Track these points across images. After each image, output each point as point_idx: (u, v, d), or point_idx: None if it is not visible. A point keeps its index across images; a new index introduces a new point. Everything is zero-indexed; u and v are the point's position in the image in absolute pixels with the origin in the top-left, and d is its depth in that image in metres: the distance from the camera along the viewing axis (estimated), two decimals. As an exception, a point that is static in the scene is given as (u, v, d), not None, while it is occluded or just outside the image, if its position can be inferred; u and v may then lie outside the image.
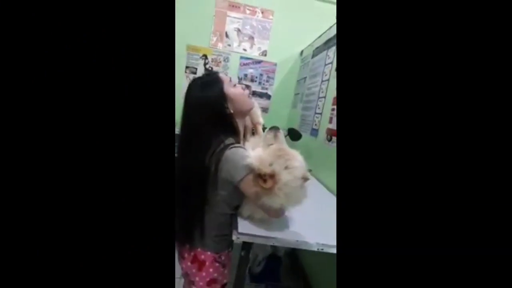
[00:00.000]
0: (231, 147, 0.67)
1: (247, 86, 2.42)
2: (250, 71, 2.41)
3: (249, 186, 0.64)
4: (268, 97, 2.47)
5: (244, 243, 0.70)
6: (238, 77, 2.40)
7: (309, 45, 2.12)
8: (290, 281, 1.54)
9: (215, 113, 0.70)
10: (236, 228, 0.69)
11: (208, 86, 0.72)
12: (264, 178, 0.61)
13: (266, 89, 2.46)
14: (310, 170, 0.70)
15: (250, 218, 0.73)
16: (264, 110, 2.47)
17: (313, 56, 1.98)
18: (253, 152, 0.67)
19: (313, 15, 2.28)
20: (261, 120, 0.94)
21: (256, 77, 2.43)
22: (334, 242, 0.69)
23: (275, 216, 0.69)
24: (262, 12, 2.32)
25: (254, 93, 2.44)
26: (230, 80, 0.75)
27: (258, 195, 0.63)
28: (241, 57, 2.38)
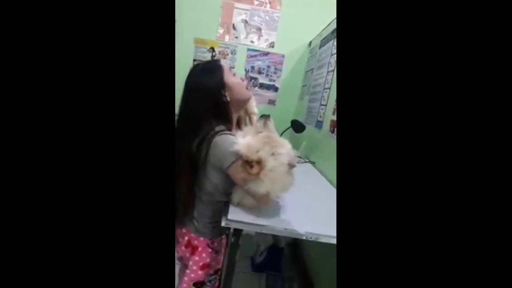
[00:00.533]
0: (220, 134, 0.68)
1: (254, 79, 2.42)
2: (257, 63, 2.40)
3: (237, 172, 0.65)
4: (275, 89, 2.45)
5: (235, 229, 0.71)
6: (245, 69, 2.40)
7: (317, 35, 2.08)
8: (291, 272, 1.55)
9: (211, 98, 0.72)
10: (226, 214, 0.70)
11: (208, 72, 0.73)
12: (251, 164, 0.62)
13: (274, 81, 2.44)
14: (299, 157, 0.70)
15: (240, 205, 0.74)
16: (271, 102, 2.46)
17: (320, 46, 1.94)
18: (241, 139, 0.68)
19: (322, 4, 2.22)
20: (255, 110, 0.94)
21: (264, 69, 2.41)
22: (326, 232, 0.69)
23: (263, 203, 0.70)
24: (270, 3, 2.29)
25: (262, 85, 2.43)
26: (231, 70, 0.77)
27: (245, 181, 0.64)
28: (248, 49, 2.37)
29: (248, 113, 0.93)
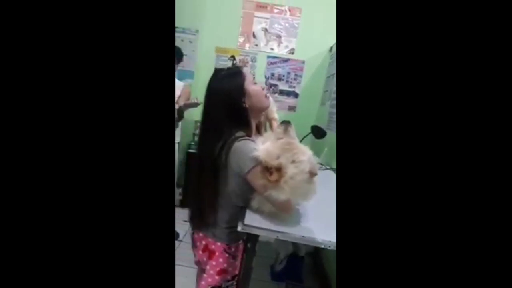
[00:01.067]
0: (240, 139, 0.69)
1: (274, 85, 2.42)
2: (277, 70, 2.41)
3: (256, 178, 0.65)
4: (295, 95, 2.44)
5: (250, 235, 0.71)
6: (265, 76, 2.41)
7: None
8: (312, 282, 1.50)
9: (230, 104, 0.73)
10: (243, 219, 0.70)
11: (228, 78, 0.76)
12: (271, 171, 0.62)
13: (294, 87, 2.43)
14: (320, 164, 0.68)
15: (259, 211, 0.74)
16: (292, 108, 2.45)
17: (341, 51, 1.91)
18: (261, 145, 0.68)
19: (342, 9, 2.19)
20: (276, 116, 0.94)
21: (284, 76, 2.41)
22: (330, 240, 0.66)
23: (283, 210, 0.69)
24: (289, 11, 2.31)
25: (282, 92, 2.43)
26: (252, 77, 0.78)
27: (265, 188, 0.64)
28: (268, 56, 2.39)
29: (268, 119, 0.93)
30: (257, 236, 0.70)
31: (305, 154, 0.64)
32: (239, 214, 0.76)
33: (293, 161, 0.62)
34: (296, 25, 2.32)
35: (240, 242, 0.80)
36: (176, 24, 2.31)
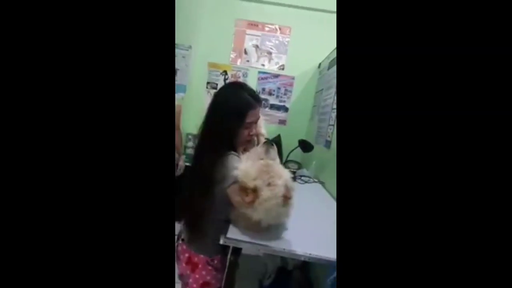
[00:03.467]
0: (228, 154, 0.72)
1: (265, 100, 2.48)
2: (268, 85, 2.47)
3: (234, 194, 0.67)
4: (285, 109, 2.49)
5: (233, 248, 0.72)
6: (256, 91, 2.47)
7: (326, 58, 2.13)
8: (300, 297, 1.49)
9: (237, 127, 0.77)
10: (226, 232, 0.71)
11: (247, 105, 0.78)
12: (247, 191, 0.64)
13: (284, 101, 2.49)
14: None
15: (234, 223, 0.75)
16: (282, 122, 2.50)
17: (328, 68, 1.98)
18: (242, 163, 0.70)
19: (330, 27, 2.29)
20: (263, 131, 0.97)
21: (274, 91, 2.48)
22: (327, 254, 0.68)
23: (255, 229, 0.70)
24: (280, 29, 2.40)
25: (272, 106, 2.49)
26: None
27: (240, 205, 0.66)
28: (259, 72, 2.46)
29: (256, 134, 0.96)
30: (240, 249, 0.71)
31: (282, 177, 0.65)
32: (223, 227, 0.77)
33: (269, 184, 0.63)
34: (286, 43, 2.41)
35: (224, 255, 0.81)
36: (170, 40, 2.37)
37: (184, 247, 0.80)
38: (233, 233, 0.71)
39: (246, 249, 0.70)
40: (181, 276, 0.83)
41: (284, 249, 0.69)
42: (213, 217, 0.77)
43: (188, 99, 2.38)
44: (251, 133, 0.81)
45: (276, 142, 1.63)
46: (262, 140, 0.95)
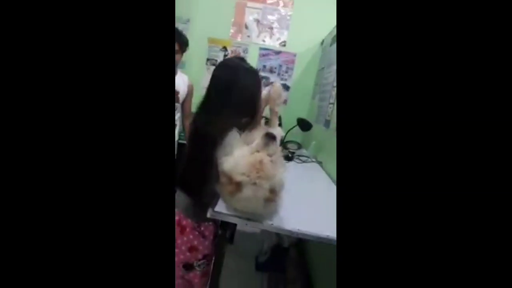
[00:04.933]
0: (232, 131, 0.70)
1: (266, 78, 2.41)
2: (269, 62, 2.39)
3: (222, 175, 0.65)
4: (287, 88, 2.43)
5: (222, 222, 0.71)
6: (257, 68, 2.39)
7: (328, 34, 2.03)
8: (295, 272, 1.52)
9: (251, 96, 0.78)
10: (214, 206, 0.70)
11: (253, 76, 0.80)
12: (231, 182, 0.61)
13: (286, 80, 2.42)
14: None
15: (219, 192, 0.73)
16: (283, 101, 2.44)
17: (331, 44, 1.90)
18: (237, 151, 0.67)
19: (334, 2, 2.17)
20: (277, 109, 0.94)
21: (275, 68, 2.40)
22: (316, 231, 0.67)
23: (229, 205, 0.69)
24: (283, 2, 2.28)
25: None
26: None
27: (222, 187, 0.65)
28: (260, 48, 2.37)
29: (271, 110, 0.94)
30: (228, 222, 0.70)
31: (270, 180, 0.62)
32: (213, 197, 0.76)
33: (254, 184, 0.61)
34: (288, 17, 2.30)
35: (210, 223, 0.81)
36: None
37: (176, 210, 0.81)
38: (221, 207, 0.70)
39: (247, 228, 0.70)
40: None
41: (272, 224, 0.68)
42: (198, 187, 0.77)
43: (188, 75, 2.33)
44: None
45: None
46: (275, 119, 0.92)
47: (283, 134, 1.45)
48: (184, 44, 1.47)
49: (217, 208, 0.69)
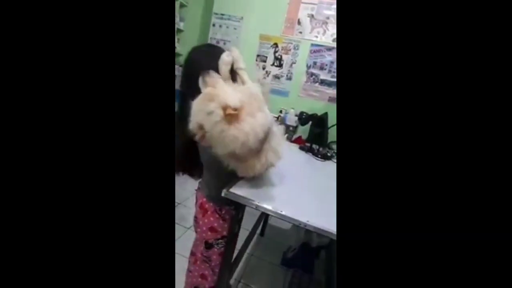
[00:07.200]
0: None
1: (315, 75, 2.35)
2: (320, 58, 2.32)
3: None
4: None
5: (235, 203, 0.74)
6: (307, 65, 2.35)
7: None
8: (323, 276, 1.46)
9: None
10: (230, 187, 0.74)
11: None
12: (197, 130, 0.61)
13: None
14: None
15: (240, 174, 0.73)
16: (332, 99, 2.34)
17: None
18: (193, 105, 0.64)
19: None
20: (241, 65, 0.79)
21: (326, 65, 2.32)
22: (325, 226, 0.65)
23: (246, 171, 0.71)
24: (339, -5, 2.18)
25: (322, 82, 2.34)
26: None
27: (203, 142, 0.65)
28: (312, 44, 2.32)
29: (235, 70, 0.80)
30: (241, 204, 0.73)
31: (216, 99, 0.58)
32: (232, 182, 0.80)
33: (208, 114, 0.58)
34: (345, 11, 2.19)
35: (232, 207, 0.84)
36: (222, 11, 2.41)
37: (200, 193, 0.88)
38: (237, 189, 0.73)
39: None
40: (195, 218, 0.92)
41: (271, 209, 0.68)
42: (214, 170, 0.81)
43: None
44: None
45: (322, 119, 1.54)
46: (244, 74, 0.78)
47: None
48: None
49: (232, 190, 0.73)
